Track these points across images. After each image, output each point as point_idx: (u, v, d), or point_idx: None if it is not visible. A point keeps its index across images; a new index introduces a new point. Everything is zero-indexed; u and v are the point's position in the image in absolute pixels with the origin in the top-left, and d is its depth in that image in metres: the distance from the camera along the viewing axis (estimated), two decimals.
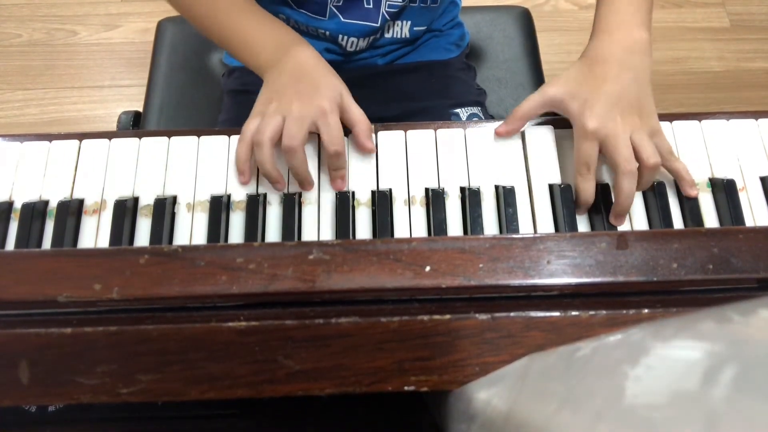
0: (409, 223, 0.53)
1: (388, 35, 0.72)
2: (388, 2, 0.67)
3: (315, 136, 0.56)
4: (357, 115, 0.54)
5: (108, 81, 1.45)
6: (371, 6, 0.67)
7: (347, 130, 0.55)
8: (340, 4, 0.67)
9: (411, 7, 0.70)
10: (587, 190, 0.52)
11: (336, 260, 0.36)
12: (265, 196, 0.54)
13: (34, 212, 0.52)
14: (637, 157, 0.50)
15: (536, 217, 0.53)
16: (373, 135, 0.56)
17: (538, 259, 0.36)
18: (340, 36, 0.69)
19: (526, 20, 0.93)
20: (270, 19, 0.60)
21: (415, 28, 0.72)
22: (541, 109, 0.54)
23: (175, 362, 0.32)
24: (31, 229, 0.52)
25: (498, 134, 0.55)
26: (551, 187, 0.54)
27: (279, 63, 0.56)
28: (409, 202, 0.54)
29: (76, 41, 1.49)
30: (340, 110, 0.54)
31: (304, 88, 0.54)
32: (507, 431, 0.26)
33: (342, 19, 0.68)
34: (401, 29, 0.72)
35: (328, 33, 0.69)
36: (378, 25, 0.68)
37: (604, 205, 0.53)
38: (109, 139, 0.56)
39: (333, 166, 0.53)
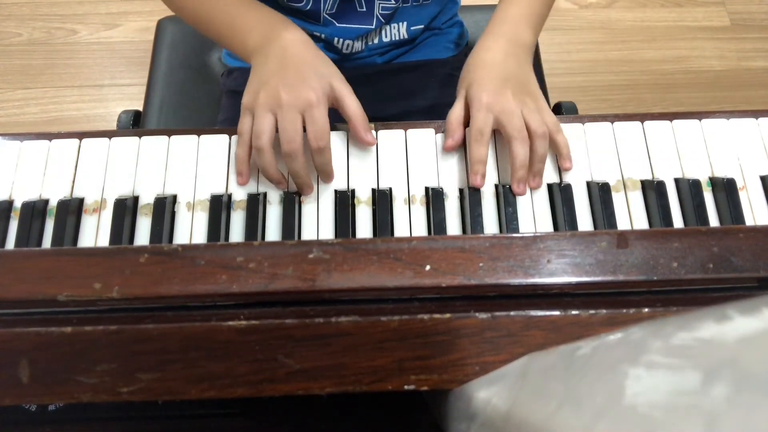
0: (409, 222, 0.53)
1: (386, 39, 0.72)
2: (381, 4, 0.67)
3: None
4: (352, 107, 0.53)
5: (108, 80, 1.45)
6: (365, 9, 0.67)
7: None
8: (334, 11, 0.67)
9: (404, 7, 0.70)
10: (481, 153, 0.53)
11: (336, 259, 0.36)
12: (265, 195, 0.54)
13: (34, 211, 0.52)
14: (528, 129, 0.53)
15: (536, 216, 0.53)
16: (373, 133, 0.56)
17: (538, 258, 0.36)
18: (336, 39, 0.69)
19: None
20: (258, 4, 0.59)
21: (412, 28, 0.72)
22: (463, 109, 0.56)
23: (176, 361, 0.32)
24: (31, 228, 0.52)
25: (448, 149, 0.55)
26: (551, 186, 0.54)
27: (265, 47, 0.55)
28: (409, 201, 0.54)
29: (76, 40, 1.49)
30: (331, 100, 0.53)
31: (291, 77, 0.52)
32: (507, 430, 0.26)
33: (337, 25, 0.68)
34: (398, 30, 0.72)
35: (323, 36, 0.69)
36: (373, 27, 0.69)
37: (603, 204, 0.53)
38: (109, 138, 0.56)
39: (317, 161, 0.53)
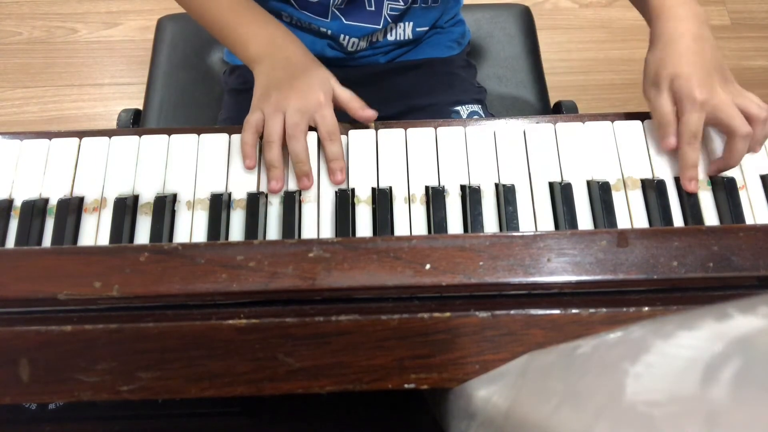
0: (410, 221, 0.53)
1: (390, 38, 0.72)
2: (390, 5, 0.67)
3: (314, 135, 0.56)
4: (347, 96, 0.57)
5: (108, 79, 1.45)
6: (373, 8, 0.67)
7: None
8: (342, 6, 0.67)
9: (413, 8, 0.70)
10: (695, 157, 0.53)
11: (336, 258, 0.36)
12: (265, 194, 0.54)
13: (34, 210, 0.52)
14: (748, 117, 0.52)
15: (537, 215, 0.53)
16: (374, 132, 0.56)
17: (538, 256, 0.36)
18: (342, 36, 0.69)
19: (526, 18, 0.93)
20: (262, 13, 0.62)
21: (417, 29, 0.72)
22: (673, 104, 0.54)
23: (176, 360, 0.32)
24: (31, 227, 0.52)
25: (668, 147, 0.54)
26: (551, 185, 0.54)
27: (270, 56, 0.59)
28: (409, 200, 0.54)
29: (76, 39, 1.49)
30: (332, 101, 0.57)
31: (300, 84, 0.56)
32: (507, 429, 0.26)
33: (344, 21, 0.68)
34: (404, 30, 0.72)
35: (330, 32, 0.69)
36: (380, 27, 0.69)
37: (603, 203, 0.53)
38: (109, 137, 0.56)
39: (331, 155, 0.55)
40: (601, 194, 0.53)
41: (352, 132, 0.57)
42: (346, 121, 0.58)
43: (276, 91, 0.56)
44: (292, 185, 0.55)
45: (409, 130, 0.56)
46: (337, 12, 0.68)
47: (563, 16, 1.52)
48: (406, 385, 0.32)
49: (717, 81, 0.52)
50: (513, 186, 0.54)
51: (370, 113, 0.57)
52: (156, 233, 0.52)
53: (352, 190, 0.54)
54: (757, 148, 0.55)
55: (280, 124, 0.55)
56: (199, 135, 0.56)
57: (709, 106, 0.52)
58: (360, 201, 0.54)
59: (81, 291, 0.35)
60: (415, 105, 0.75)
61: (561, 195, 0.53)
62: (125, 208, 0.52)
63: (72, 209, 0.52)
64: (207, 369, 0.32)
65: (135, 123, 0.85)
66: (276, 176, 0.54)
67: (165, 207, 0.52)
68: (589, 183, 0.54)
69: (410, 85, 0.75)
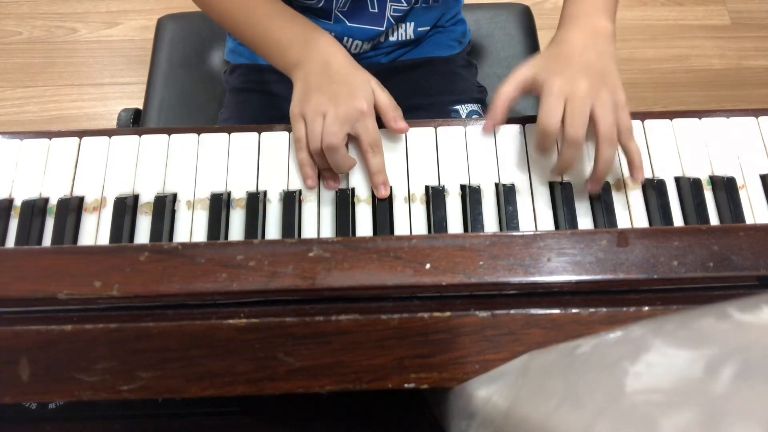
0: (410, 220, 0.53)
1: (392, 38, 0.72)
2: (393, 7, 0.67)
3: None
4: (386, 102, 0.55)
5: (108, 78, 1.45)
6: (376, 10, 0.67)
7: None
8: (345, 9, 0.67)
9: (414, 8, 0.70)
10: (548, 148, 0.52)
11: (336, 257, 0.36)
12: (265, 193, 0.54)
13: (34, 209, 0.52)
14: (595, 127, 0.50)
15: (537, 214, 0.53)
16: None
17: (538, 256, 0.36)
18: (345, 38, 0.69)
19: (526, 17, 0.93)
20: (291, 14, 0.59)
21: (419, 29, 0.72)
22: (516, 91, 0.54)
23: (176, 359, 0.32)
24: (31, 227, 0.52)
25: (487, 129, 0.55)
26: (552, 184, 0.54)
27: (307, 61, 0.56)
28: (409, 200, 0.54)
29: (76, 39, 1.49)
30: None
31: (340, 90, 0.54)
32: (507, 428, 0.26)
33: (348, 24, 0.68)
34: (405, 31, 0.72)
35: (333, 34, 0.69)
36: (383, 28, 0.69)
37: (603, 203, 0.53)
38: (109, 136, 0.56)
39: (374, 167, 0.53)
40: (601, 194, 0.53)
41: None
42: None
43: (317, 94, 0.54)
44: (292, 185, 0.55)
45: (409, 129, 0.56)
46: (340, 15, 0.68)
47: None
48: (406, 385, 0.32)
49: (587, 78, 0.50)
50: (513, 185, 0.54)
51: (403, 126, 0.55)
52: (156, 233, 0.52)
53: (352, 190, 0.54)
54: (636, 176, 0.52)
55: (321, 128, 0.53)
56: (199, 134, 0.56)
57: (566, 92, 0.50)
58: (360, 200, 0.54)
59: (81, 290, 0.35)
60: (416, 104, 0.75)
61: (561, 195, 0.53)
62: (125, 208, 0.52)
63: (72, 209, 0.52)
64: (207, 368, 0.32)
65: (135, 122, 0.85)
66: (343, 170, 0.53)
67: (165, 207, 0.52)
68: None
69: (411, 85, 0.75)
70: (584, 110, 0.49)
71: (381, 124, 0.55)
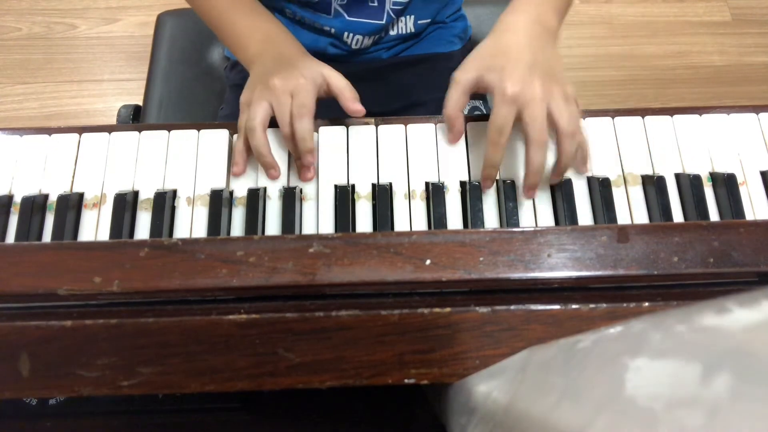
0: (410, 216, 0.53)
1: (393, 32, 0.72)
2: (392, 0, 0.67)
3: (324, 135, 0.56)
4: (341, 84, 0.55)
5: (107, 75, 1.45)
6: (376, 4, 0.67)
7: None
8: (345, 2, 0.67)
9: (414, 1, 0.70)
10: (496, 157, 0.51)
11: (336, 253, 0.36)
12: (265, 189, 0.54)
13: (34, 206, 0.52)
14: (555, 125, 0.50)
15: (537, 210, 0.53)
16: (374, 128, 0.56)
17: (538, 252, 0.36)
18: (346, 33, 0.69)
19: None
20: (260, 13, 0.62)
21: (419, 22, 0.72)
22: (465, 96, 0.53)
23: (176, 355, 0.32)
24: (31, 223, 0.52)
25: (453, 143, 0.55)
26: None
27: (264, 54, 0.58)
28: (409, 196, 0.54)
29: (75, 35, 1.49)
30: (323, 89, 0.55)
31: (283, 68, 0.55)
32: (507, 424, 0.26)
33: (347, 18, 0.68)
34: (406, 24, 0.72)
35: (333, 30, 0.69)
36: (383, 23, 0.69)
37: (603, 199, 0.53)
38: (109, 132, 0.56)
39: (296, 128, 0.52)
40: (601, 190, 0.53)
41: (352, 128, 0.57)
42: (344, 116, 0.57)
43: (261, 82, 0.55)
44: (292, 181, 0.55)
45: (410, 125, 0.56)
46: (339, 9, 0.67)
47: None
48: (406, 380, 0.32)
49: (538, 76, 0.49)
50: (513, 182, 0.54)
51: (358, 107, 0.54)
52: (156, 229, 0.52)
53: (353, 186, 0.54)
54: (582, 168, 0.53)
55: (263, 110, 0.53)
56: (199, 131, 0.56)
57: (521, 100, 0.48)
58: (360, 197, 0.54)
59: (81, 286, 0.35)
60: (417, 100, 0.74)
61: (561, 191, 0.53)
62: (125, 204, 0.52)
63: (72, 205, 0.52)
64: (207, 364, 0.32)
65: (135, 119, 0.85)
66: (267, 164, 0.54)
67: (165, 203, 0.52)
68: (589, 179, 0.54)
69: (412, 81, 0.75)
70: (543, 113, 0.49)
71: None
